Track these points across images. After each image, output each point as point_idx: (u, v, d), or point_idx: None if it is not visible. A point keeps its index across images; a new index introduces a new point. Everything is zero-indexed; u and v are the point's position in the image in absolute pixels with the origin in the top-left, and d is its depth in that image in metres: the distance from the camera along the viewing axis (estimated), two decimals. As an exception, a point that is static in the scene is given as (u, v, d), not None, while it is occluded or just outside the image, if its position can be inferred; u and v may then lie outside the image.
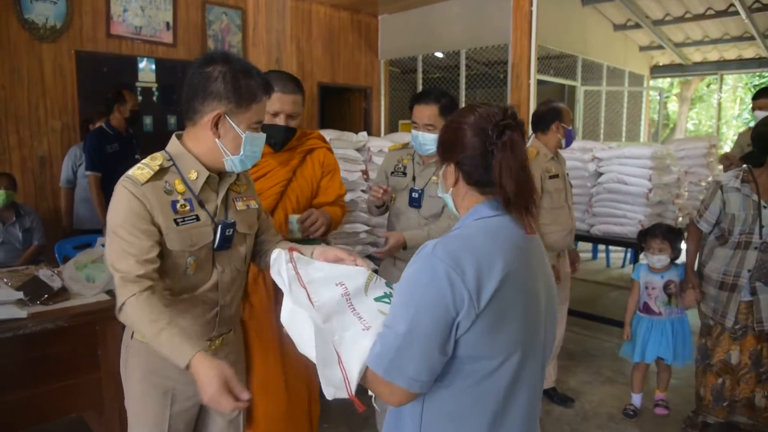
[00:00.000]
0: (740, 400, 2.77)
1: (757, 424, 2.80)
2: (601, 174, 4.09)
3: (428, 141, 2.33)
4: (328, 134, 3.51)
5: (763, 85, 13.74)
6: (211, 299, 1.57)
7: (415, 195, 2.41)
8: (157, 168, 1.44)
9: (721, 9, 7.67)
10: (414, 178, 2.46)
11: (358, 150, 3.47)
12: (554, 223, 2.94)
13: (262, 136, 1.54)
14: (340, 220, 2.39)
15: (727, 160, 4.22)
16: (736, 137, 4.58)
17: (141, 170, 1.43)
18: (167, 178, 1.46)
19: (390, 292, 1.29)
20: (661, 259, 2.95)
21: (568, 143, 3.01)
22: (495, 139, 1.13)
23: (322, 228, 2.15)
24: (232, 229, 1.55)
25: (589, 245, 6.79)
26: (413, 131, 2.37)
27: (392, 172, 2.54)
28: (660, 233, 2.97)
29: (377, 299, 1.27)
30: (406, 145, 2.60)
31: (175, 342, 1.30)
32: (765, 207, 2.62)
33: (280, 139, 2.13)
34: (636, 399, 3.16)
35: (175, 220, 1.44)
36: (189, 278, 1.51)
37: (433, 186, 2.38)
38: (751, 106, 4.06)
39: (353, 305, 1.23)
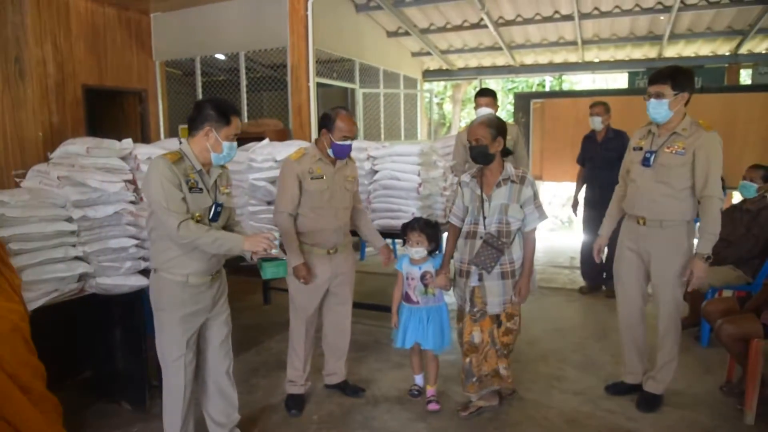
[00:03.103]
0: (489, 373, 3.00)
1: (507, 388, 3.13)
2: (376, 171, 4.31)
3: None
4: (85, 142, 3.17)
5: (515, 89, 15.87)
6: None
7: (218, 210, 2.48)
8: None
9: (474, 22, 8.66)
10: (212, 193, 2.47)
11: (123, 158, 3.19)
12: (317, 221, 3.03)
13: None
14: None
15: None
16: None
17: None
18: None
19: None
20: (419, 251, 3.10)
21: (335, 152, 3.00)
22: None
23: None
24: None
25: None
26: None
27: (191, 189, 2.36)
28: (418, 227, 3.12)
29: None
30: (181, 158, 2.38)
31: None
32: (486, 200, 2.89)
33: None
34: (418, 379, 3.38)
35: None
36: None
37: (226, 198, 2.54)
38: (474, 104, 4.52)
39: None
